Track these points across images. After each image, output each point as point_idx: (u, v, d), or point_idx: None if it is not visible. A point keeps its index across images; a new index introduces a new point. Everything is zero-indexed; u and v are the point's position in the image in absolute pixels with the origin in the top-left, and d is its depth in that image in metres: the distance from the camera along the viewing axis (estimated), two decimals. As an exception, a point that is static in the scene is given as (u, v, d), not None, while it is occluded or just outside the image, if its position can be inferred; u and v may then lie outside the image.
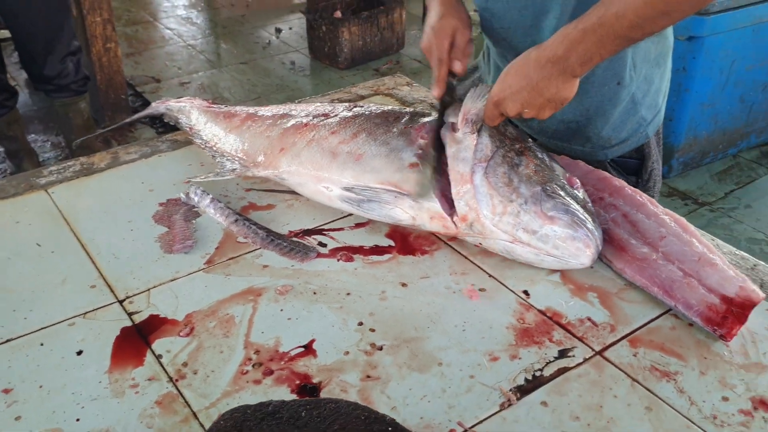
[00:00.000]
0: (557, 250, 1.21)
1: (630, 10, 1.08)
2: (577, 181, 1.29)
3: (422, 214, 1.30)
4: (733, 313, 1.11)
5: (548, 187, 1.25)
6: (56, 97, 3.47)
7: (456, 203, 1.27)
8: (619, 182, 1.35)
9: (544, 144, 1.53)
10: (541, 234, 1.21)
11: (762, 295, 1.13)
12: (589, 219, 1.23)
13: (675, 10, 1.08)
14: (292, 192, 1.46)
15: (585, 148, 1.49)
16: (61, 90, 3.44)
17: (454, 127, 1.32)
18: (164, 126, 4.02)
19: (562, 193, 1.25)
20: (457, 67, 1.38)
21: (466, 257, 1.31)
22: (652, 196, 1.47)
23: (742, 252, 1.33)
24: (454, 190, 1.28)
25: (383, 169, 1.32)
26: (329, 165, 1.37)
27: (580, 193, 1.28)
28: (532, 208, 1.22)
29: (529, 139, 1.37)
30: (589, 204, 1.27)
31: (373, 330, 1.14)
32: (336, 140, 1.39)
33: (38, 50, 3.29)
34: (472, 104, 1.31)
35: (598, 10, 1.11)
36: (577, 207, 1.23)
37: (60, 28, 3.31)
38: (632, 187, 1.34)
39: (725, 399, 1.03)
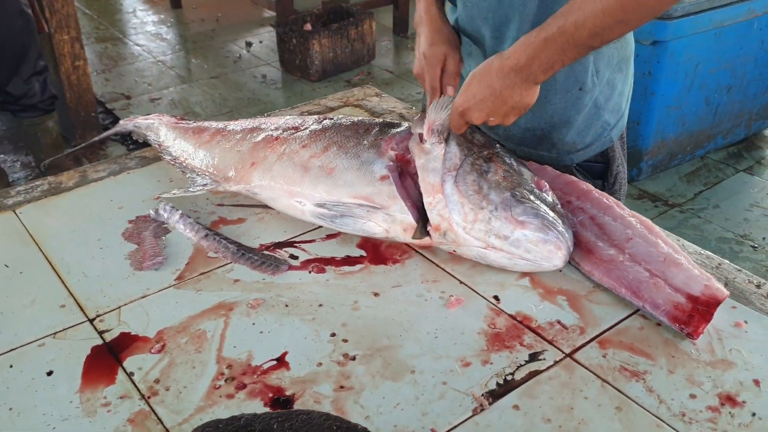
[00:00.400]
0: (529, 254, 1.23)
1: (589, 19, 1.10)
2: (546, 184, 1.31)
3: (395, 226, 1.31)
4: (699, 311, 1.13)
5: (517, 192, 1.26)
6: (23, 117, 3.44)
7: (428, 213, 1.28)
8: (586, 186, 1.37)
9: (511, 150, 1.55)
10: (513, 239, 1.23)
11: (726, 292, 1.15)
12: (559, 221, 1.24)
13: (632, 18, 1.10)
14: (263, 205, 1.46)
15: (551, 154, 1.51)
16: (28, 110, 3.41)
17: (421, 138, 1.33)
18: (135, 143, 4.00)
19: (531, 197, 1.26)
20: (450, 91, 1.40)
21: (437, 265, 1.32)
22: (619, 199, 1.49)
23: (707, 251, 1.35)
24: (425, 201, 1.29)
25: (355, 183, 1.33)
26: (301, 179, 1.37)
27: (549, 196, 1.30)
28: (502, 214, 1.24)
29: (497, 145, 1.38)
30: (558, 206, 1.29)
31: (345, 340, 1.15)
32: (307, 154, 1.40)
33: (2, 71, 3.26)
34: (437, 115, 1.32)
35: (557, 19, 1.13)
36: (547, 210, 1.25)
37: (25, 48, 3.28)
38: (599, 191, 1.36)
39: (693, 396, 1.05)
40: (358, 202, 1.32)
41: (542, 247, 1.22)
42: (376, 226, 1.32)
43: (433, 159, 1.31)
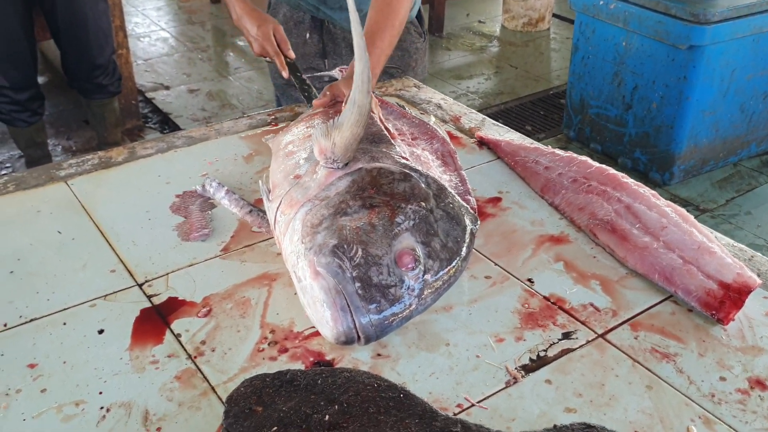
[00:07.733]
0: (309, 309, 1.11)
1: (388, 45, 1.71)
2: (414, 263, 1.11)
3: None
4: (730, 298, 1.15)
5: (346, 248, 1.10)
6: (96, 98, 3.54)
7: (277, 218, 1.26)
8: (623, 176, 1.40)
9: None
10: (304, 284, 1.11)
11: (759, 281, 1.17)
12: (365, 305, 1.06)
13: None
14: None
15: None
16: (100, 90, 3.50)
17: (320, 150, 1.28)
18: (172, 130, 4.08)
19: (361, 259, 1.09)
20: (291, 54, 1.86)
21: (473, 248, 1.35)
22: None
23: (740, 244, 1.37)
24: (281, 207, 1.26)
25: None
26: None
27: (408, 278, 1.11)
28: (310, 256, 1.11)
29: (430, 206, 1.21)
30: (405, 291, 1.10)
31: (383, 313, 1.18)
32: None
33: (90, 51, 3.36)
34: (325, 142, 1.25)
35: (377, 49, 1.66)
36: (361, 280, 1.07)
37: (108, 30, 3.40)
38: (636, 182, 1.38)
39: (723, 379, 1.07)
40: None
41: (320, 309, 1.08)
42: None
43: (314, 179, 1.27)
